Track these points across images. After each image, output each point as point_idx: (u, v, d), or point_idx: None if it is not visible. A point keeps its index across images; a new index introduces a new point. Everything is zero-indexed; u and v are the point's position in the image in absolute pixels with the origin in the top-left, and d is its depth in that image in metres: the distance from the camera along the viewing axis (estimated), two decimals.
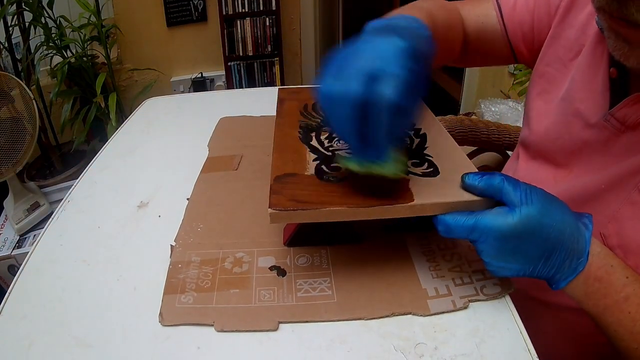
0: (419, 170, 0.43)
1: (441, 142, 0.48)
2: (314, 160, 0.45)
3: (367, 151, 0.35)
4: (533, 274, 0.38)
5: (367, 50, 0.34)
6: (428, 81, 0.37)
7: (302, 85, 2.59)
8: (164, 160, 0.67)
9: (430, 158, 0.45)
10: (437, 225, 0.39)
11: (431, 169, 0.43)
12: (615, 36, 0.39)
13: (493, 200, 0.38)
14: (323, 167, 0.44)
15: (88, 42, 1.90)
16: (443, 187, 0.40)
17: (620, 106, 0.44)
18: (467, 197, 0.39)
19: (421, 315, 0.40)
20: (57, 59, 1.89)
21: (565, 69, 0.53)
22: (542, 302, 0.53)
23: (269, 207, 0.38)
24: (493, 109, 1.82)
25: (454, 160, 0.45)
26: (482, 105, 1.87)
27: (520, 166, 0.61)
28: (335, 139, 0.49)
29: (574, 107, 0.50)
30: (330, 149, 0.48)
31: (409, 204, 0.38)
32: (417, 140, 0.49)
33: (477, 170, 0.41)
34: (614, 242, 0.45)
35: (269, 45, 2.35)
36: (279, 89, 0.63)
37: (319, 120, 0.54)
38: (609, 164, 0.47)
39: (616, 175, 0.46)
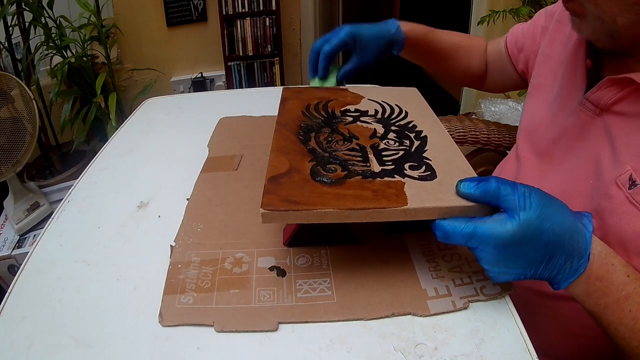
0: (416, 173, 0.43)
1: (442, 146, 0.48)
2: (310, 161, 0.45)
3: (319, 74, 0.66)
4: (535, 277, 0.38)
5: (337, 29, 0.64)
6: (370, 52, 0.66)
7: (302, 85, 2.59)
8: (164, 160, 0.67)
9: (428, 161, 0.45)
10: (434, 230, 0.39)
11: (429, 173, 0.43)
12: (570, 14, 0.47)
13: (490, 205, 0.38)
14: (319, 168, 0.44)
15: (88, 42, 1.90)
16: (439, 192, 0.40)
17: (594, 90, 0.48)
18: (463, 202, 0.38)
19: (421, 316, 0.40)
20: (57, 59, 1.89)
21: (555, 78, 0.58)
22: (540, 293, 0.53)
23: (261, 207, 0.38)
24: (493, 109, 1.83)
25: (453, 164, 0.44)
26: (482, 105, 1.87)
27: (508, 160, 0.65)
28: (334, 141, 0.49)
29: (558, 102, 0.55)
30: (328, 149, 0.47)
31: (403, 207, 0.38)
32: (417, 143, 0.49)
33: (476, 176, 0.41)
34: (597, 236, 0.45)
35: (269, 45, 2.35)
36: (283, 88, 0.64)
37: (320, 121, 0.54)
38: (586, 151, 0.49)
39: (595, 167, 0.47)
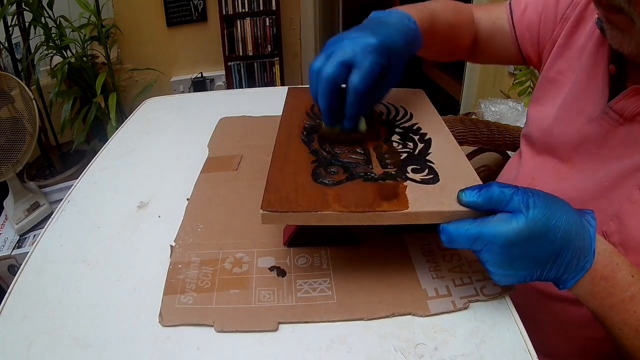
0: (418, 176, 0.43)
1: (446, 149, 0.48)
2: (312, 162, 0.45)
3: (341, 120, 0.46)
4: (540, 278, 0.38)
5: (349, 42, 0.44)
6: (400, 69, 0.48)
7: (302, 85, 2.59)
8: (164, 160, 0.67)
9: (431, 164, 0.45)
10: (440, 235, 0.38)
11: (431, 176, 0.42)
12: (610, 26, 0.43)
13: (493, 211, 0.37)
14: (321, 169, 0.44)
15: (88, 42, 1.90)
16: (441, 195, 0.39)
17: (619, 99, 0.46)
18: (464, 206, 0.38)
19: (421, 316, 0.40)
20: (57, 59, 1.89)
21: (572, 70, 0.55)
22: (541, 294, 0.53)
23: (261, 208, 0.38)
24: (493, 109, 1.83)
25: (456, 167, 0.44)
26: (482, 105, 1.87)
27: (524, 161, 0.62)
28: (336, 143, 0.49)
29: (576, 105, 0.52)
30: (331, 151, 0.47)
31: (403, 211, 0.38)
32: (420, 145, 0.48)
33: (479, 181, 0.40)
34: (615, 240, 0.45)
35: (269, 45, 2.35)
36: (288, 88, 0.63)
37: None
38: (609, 158, 0.48)
39: (617, 172, 0.46)
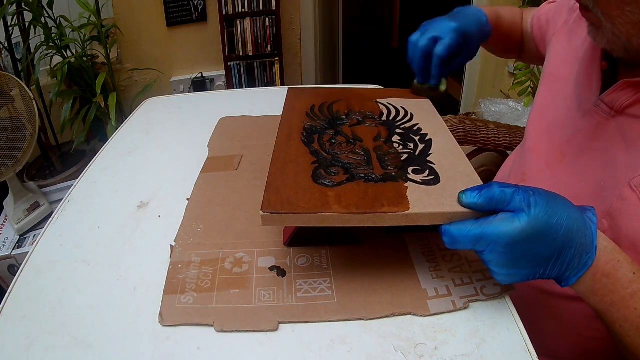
0: (419, 177, 0.43)
1: (446, 149, 0.48)
2: (312, 163, 0.45)
3: (428, 79, 0.60)
4: (543, 276, 0.38)
5: (437, 24, 0.59)
6: (474, 49, 0.63)
7: (302, 85, 2.59)
8: (164, 160, 0.67)
9: (432, 165, 0.45)
10: (442, 236, 0.38)
11: (432, 177, 0.42)
12: (588, 23, 0.47)
13: (495, 212, 0.37)
14: (321, 170, 0.43)
15: (88, 42, 1.90)
16: (442, 197, 0.39)
17: (609, 92, 0.48)
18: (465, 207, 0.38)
19: (421, 316, 0.40)
20: (57, 59, 1.89)
21: (570, 71, 0.57)
22: (542, 291, 0.53)
23: (261, 210, 0.38)
24: (493, 109, 1.83)
25: (457, 168, 0.44)
26: (482, 105, 1.87)
27: (518, 159, 0.64)
28: (337, 143, 0.49)
29: (573, 99, 0.55)
30: (331, 152, 0.47)
31: (404, 212, 0.38)
32: (421, 146, 0.48)
33: (480, 182, 0.40)
34: (609, 238, 0.45)
35: (269, 45, 2.35)
36: (288, 88, 0.63)
37: (324, 122, 0.53)
38: (599, 151, 0.49)
39: (607, 166, 0.47)
